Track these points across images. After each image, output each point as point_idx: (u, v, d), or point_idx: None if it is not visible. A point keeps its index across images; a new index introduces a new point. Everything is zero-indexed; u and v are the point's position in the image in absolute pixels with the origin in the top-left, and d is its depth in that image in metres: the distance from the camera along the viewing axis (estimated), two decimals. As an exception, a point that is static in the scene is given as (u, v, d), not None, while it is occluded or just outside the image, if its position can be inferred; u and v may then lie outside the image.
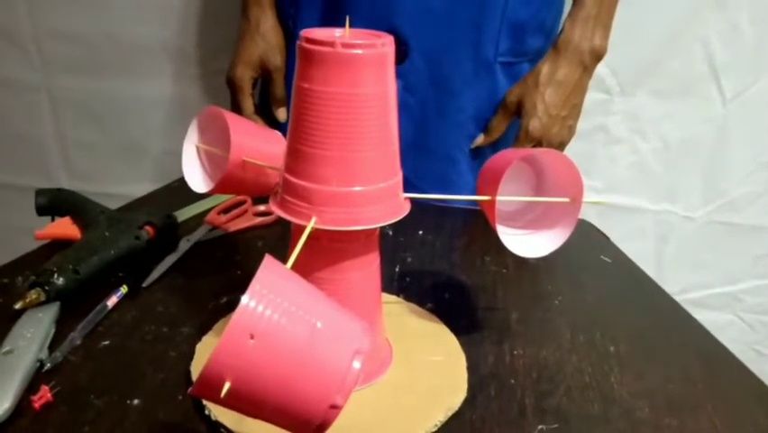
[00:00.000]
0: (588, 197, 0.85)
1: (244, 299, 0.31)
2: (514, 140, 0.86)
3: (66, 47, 1.23)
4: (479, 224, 0.86)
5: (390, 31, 0.84)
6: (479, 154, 0.91)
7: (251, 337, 0.30)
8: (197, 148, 0.56)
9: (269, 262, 0.35)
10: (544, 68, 0.83)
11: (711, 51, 1.07)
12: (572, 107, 0.85)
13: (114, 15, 1.19)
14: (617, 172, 1.16)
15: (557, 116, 0.83)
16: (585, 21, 0.81)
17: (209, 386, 0.31)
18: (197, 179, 0.56)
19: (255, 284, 0.32)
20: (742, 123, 1.11)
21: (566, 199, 0.49)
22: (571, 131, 0.87)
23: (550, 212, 0.52)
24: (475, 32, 0.84)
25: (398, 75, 0.89)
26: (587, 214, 0.89)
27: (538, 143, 0.85)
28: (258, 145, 0.53)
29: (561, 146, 0.87)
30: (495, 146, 0.89)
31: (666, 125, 1.13)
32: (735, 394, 0.55)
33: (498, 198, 0.48)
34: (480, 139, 0.90)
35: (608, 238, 0.85)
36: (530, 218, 0.54)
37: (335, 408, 0.32)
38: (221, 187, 0.53)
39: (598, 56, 0.83)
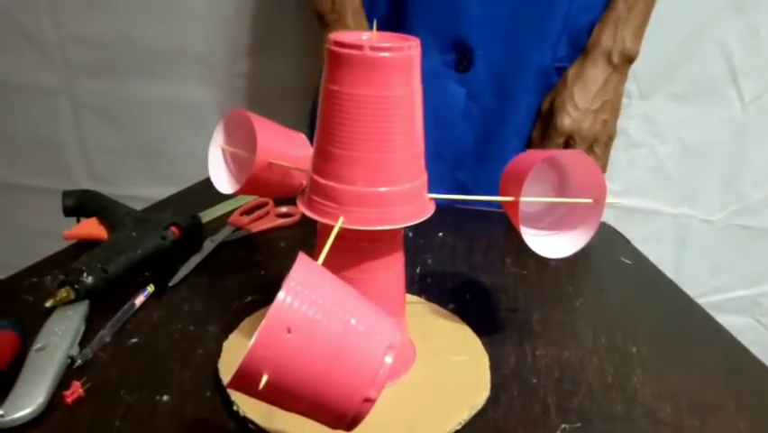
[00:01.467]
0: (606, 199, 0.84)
1: (281, 294, 0.32)
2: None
3: (87, 51, 1.25)
4: (498, 226, 0.86)
5: (457, 41, 0.87)
6: None
7: (288, 331, 0.31)
8: (223, 150, 0.57)
9: (303, 259, 0.35)
10: (572, 69, 0.85)
11: (730, 55, 1.07)
12: (603, 102, 0.85)
13: (135, 20, 1.21)
14: (636, 175, 1.16)
15: (587, 110, 0.84)
16: (614, 23, 0.83)
17: (247, 379, 0.32)
18: (223, 181, 0.57)
19: (290, 281, 0.33)
20: (760, 126, 1.11)
21: (589, 200, 0.50)
22: (606, 126, 0.87)
23: (573, 213, 0.52)
24: (537, 39, 0.86)
25: (463, 83, 0.91)
26: (605, 216, 0.89)
27: (571, 139, 0.85)
28: (283, 147, 0.54)
29: (597, 141, 0.87)
30: None
31: (685, 129, 1.13)
32: (757, 395, 0.55)
33: (522, 198, 0.48)
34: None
35: (627, 240, 0.86)
36: (553, 219, 0.54)
37: (369, 401, 0.32)
38: (247, 188, 0.54)
39: (628, 57, 0.84)
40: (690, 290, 0.73)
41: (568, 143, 0.86)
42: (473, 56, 0.86)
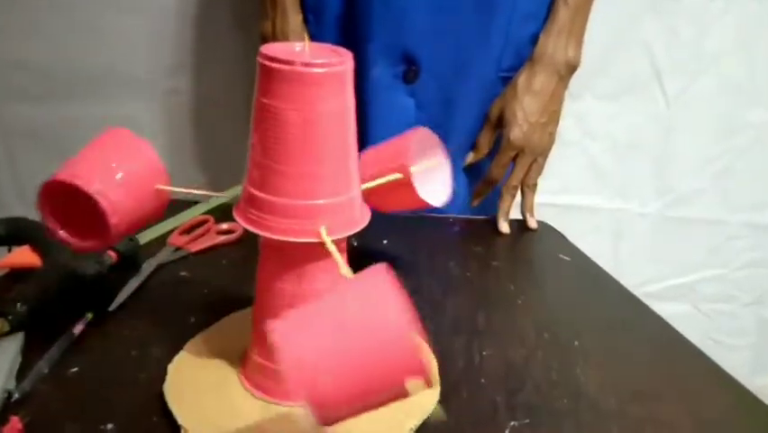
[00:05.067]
0: (543, 198, 0.87)
1: None
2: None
3: (15, 75, 1.21)
4: (441, 231, 0.87)
5: (403, 52, 0.88)
6: (473, 166, 0.94)
7: None
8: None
9: None
10: (521, 79, 0.86)
11: (652, 54, 1.11)
12: (551, 114, 0.87)
13: (64, 42, 1.18)
14: (571, 173, 1.20)
15: (537, 123, 0.86)
16: (558, 34, 0.84)
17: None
18: None
19: None
20: (685, 120, 1.16)
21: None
22: (551, 137, 0.90)
23: None
24: (481, 50, 0.87)
25: (411, 94, 0.93)
26: (544, 215, 0.92)
27: (521, 151, 0.87)
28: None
29: (543, 153, 0.89)
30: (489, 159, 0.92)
31: (614, 126, 1.18)
32: (693, 378, 0.58)
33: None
34: (471, 156, 0.93)
35: (564, 237, 0.88)
36: None
37: None
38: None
39: (572, 67, 0.86)
40: (629, 280, 0.75)
41: (516, 155, 0.88)
42: (419, 68, 0.87)
